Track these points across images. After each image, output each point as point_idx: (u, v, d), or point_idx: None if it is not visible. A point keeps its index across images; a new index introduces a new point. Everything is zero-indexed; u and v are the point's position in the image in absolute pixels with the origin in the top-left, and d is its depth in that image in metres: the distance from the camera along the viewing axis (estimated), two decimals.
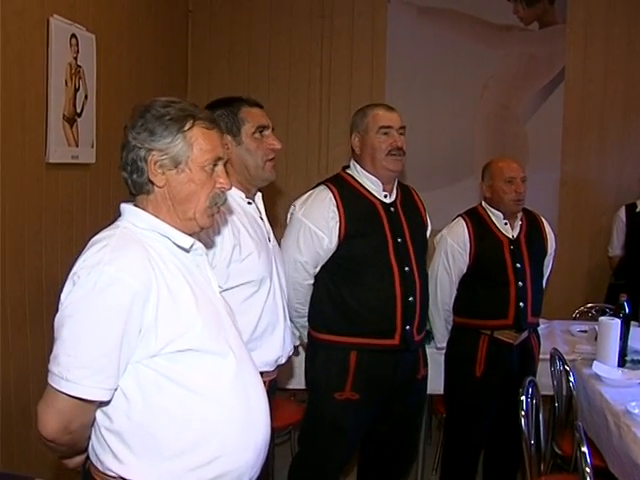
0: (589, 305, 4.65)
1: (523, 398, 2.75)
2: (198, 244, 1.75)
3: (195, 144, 1.64)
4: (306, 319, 2.98)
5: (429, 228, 3.12)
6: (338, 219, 2.78)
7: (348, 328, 2.81)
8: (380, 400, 2.90)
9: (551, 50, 5.20)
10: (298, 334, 3.10)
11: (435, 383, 3.43)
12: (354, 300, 2.79)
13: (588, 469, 2.30)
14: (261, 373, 2.28)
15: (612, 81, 5.19)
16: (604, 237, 5.06)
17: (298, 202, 2.90)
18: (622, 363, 3.25)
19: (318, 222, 2.79)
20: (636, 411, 2.69)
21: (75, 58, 3.21)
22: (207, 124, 1.67)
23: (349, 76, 5.24)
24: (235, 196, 2.36)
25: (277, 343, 2.39)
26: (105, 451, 1.61)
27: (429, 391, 3.53)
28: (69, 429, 1.57)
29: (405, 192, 3.02)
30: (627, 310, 3.30)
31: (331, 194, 2.83)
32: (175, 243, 1.67)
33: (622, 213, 4.89)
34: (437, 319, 3.44)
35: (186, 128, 1.63)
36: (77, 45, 3.21)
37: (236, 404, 1.65)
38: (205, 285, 1.73)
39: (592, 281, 5.21)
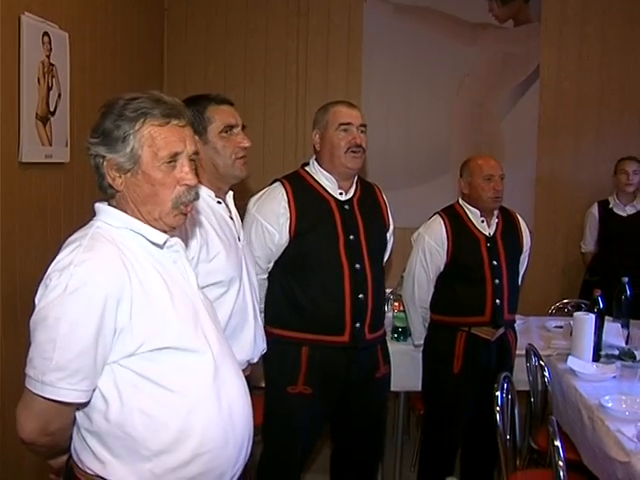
0: (565, 301, 4.69)
1: (498, 394, 2.77)
2: (174, 240, 1.73)
3: (145, 144, 1.60)
4: (262, 314, 2.97)
5: (391, 227, 3.12)
6: (289, 215, 2.80)
7: (299, 324, 2.83)
8: (335, 397, 2.91)
9: (526, 48, 5.24)
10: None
11: (413, 380, 3.46)
12: (304, 296, 2.81)
13: (561, 463, 2.32)
14: None
15: (586, 79, 5.24)
16: (579, 234, 5.10)
17: (254, 198, 2.92)
18: (596, 358, 3.29)
19: (269, 218, 2.82)
20: (609, 405, 2.72)
21: (48, 56, 3.17)
22: (160, 120, 1.61)
23: (325, 74, 5.24)
24: (204, 195, 2.35)
25: (247, 343, 2.39)
26: (86, 450, 1.61)
27: (406, 388, 3.58)
28: (47, 431, 1.58)
29: (366, 190, 3.02)
30: (601, 305, 3.33)
31: (284, 190, 2.84)
32: (148, 240, 1.66)
33: (595, 210, 4.94)
34: (414, 316, 3.45)
35: (136, 128, 1.60)
36: (50, 43, 3.18)
37: (214, 401, 1.65)
38: (182, 281, 1.71)
39: (567, 277, 5.26)
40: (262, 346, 2.50)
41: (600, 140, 5.26)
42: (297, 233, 2.80)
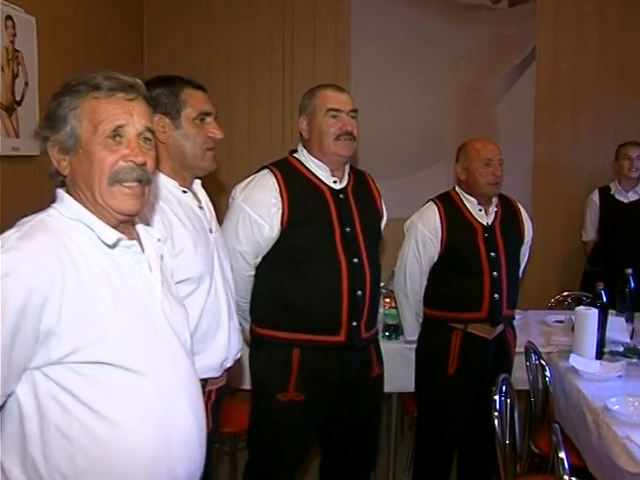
0: (565, 293, 4.50)
1: (496, 397, 2.58)
2: (146, 234, 1.56)
3: (85, 119, 1.44)
4: (248, 313, 2.79)
5: (385, 217, 2.93)
6: (280, 205, 2.58)
7: (290, 323, 2.62)
8: (328, 401, 2.72)
9: (521, 29, 5.02)
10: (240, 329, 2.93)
11: (405, 380, 3.27)
12: (296, 293, 2.60)
13: (566, 477, 2.13)
14: (206, 380, 2.09)
15: (584, 60, 5.03)
16: (578, 222, 4.91)
17: (239, 186, 2.69)
18: (600, 355, 3.11)
19: (258, 208, 2.59)
20: (616, 408, 2.53)
21: (12, 42, 2.98)
22: (103, 93, 1.45)
23: (312, 60, 5.02)
24: (167, 184, 2.14)
25: (221, 345, 2.17)
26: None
27: (399, 389, 3.40)
28: None
29: (359, 178, 2.82)
30: (604, 299, 3.14)
31: (274, 178, 2.62)
32: (99, 237, 1.46)
33: (596, 197, 4.76)
34: (407, 310, 3.25)
35: (77, 104, 1.45)
36: (14, 27, 2.98)
37: (149, 434, 1.43)
38: (141, 287, 1.51)
39: (567, 268, 5.06)
40: (238, 347, 2.28)
41: (599, 124, 5.06)
42: (289, 225, 2.59)
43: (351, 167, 2.82)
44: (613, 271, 4.10)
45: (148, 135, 1.50)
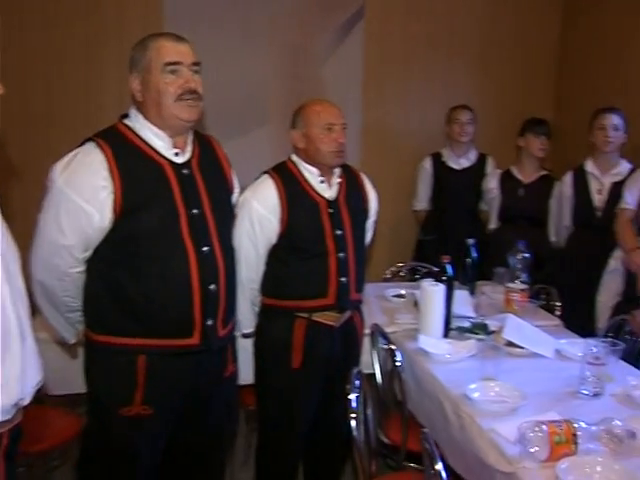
0: (399, 264, 4.31)
1: (352, 396, 2.29)
2: None
3: None
4: (80, 313, 2.33)
5: (236, 191, 2.54)
6: (112, 188, 2.11)
7: (133, 327, 2.19)
8: (178, 411, 2.34)
9: None
10: (75, 331, 2.46)
11: (242, 372, 2.87)
12: (138, 291, 2.17)
13: None
14: None
15: (414, 20, 4.84)
16: (409, 189, 4.75)
17: (59, 165, 2.17)
18: (446, 333, 2.94)
19: (85, 193, 2.11)
20: (476, 395, 2.35)
21: None
22: None
23: (120, 11, 4.45)
24: None
25: (11, 379, 1.56)
26: None
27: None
28: None
29: (204, 146, 2.40)
30: (451, 273, 2.96)
31: (102, 155, 2.14)
32: None
33: (427, 163, 4.61)
34: (241, 300, 2.78)
35: None
36: None
37: None
38: None
39: (398, 237, 4.90)
40: (37, 378, 1.69)
41: (429, 86, 4.95)
42: (123, 212, 2.13)
43: (196, 133, 2.40)
44: (447, 240, 4.02)
45: None
